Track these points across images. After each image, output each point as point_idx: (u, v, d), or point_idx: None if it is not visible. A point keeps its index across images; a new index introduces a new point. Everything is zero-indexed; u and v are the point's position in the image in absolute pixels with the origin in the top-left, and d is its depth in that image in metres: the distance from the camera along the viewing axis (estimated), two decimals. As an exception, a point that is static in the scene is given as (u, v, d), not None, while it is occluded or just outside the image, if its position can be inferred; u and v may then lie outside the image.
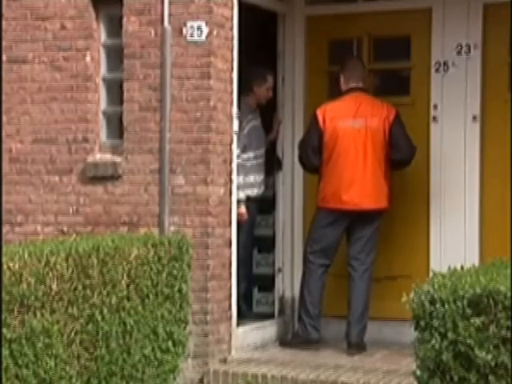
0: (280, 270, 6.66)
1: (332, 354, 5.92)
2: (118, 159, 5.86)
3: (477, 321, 3.18)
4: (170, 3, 5.67)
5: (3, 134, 6.08)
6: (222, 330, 5.77)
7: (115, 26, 5.95)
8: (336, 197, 5.96)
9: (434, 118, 6.25)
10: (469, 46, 6.14)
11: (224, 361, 5.72)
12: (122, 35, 5.85)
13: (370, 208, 5.98)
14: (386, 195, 6.02)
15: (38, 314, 4.34)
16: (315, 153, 6.04)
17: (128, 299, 4.88)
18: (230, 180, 5.82)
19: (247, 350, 6.01)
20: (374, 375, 5.26)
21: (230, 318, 5.84)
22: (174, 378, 5.25)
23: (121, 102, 5.89)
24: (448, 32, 6.19)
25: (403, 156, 5.96)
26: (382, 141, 5.96)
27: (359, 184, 5.93)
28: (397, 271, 6.26)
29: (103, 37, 6.05)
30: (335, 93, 6.67)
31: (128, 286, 4.89)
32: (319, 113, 6.05)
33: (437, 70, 6.25)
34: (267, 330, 6.40)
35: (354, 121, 5.97)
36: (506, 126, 6.02)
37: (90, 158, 5.95)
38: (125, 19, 5.80)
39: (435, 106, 6.24)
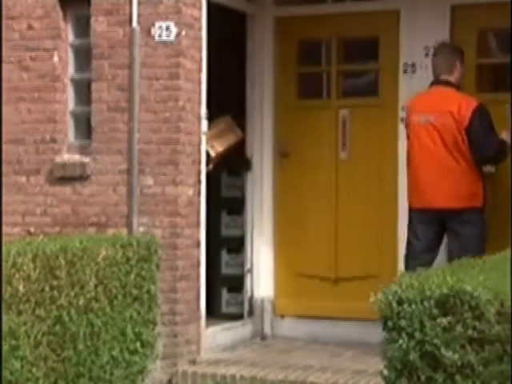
0: (249, 270, 6.65)
1: (301, 355, 5.92)
2: (86, 160, 5.83)
3: (443, 321, 3.19)
4: (138, 3, 5.64)
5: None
6: (191, 331, 5.76)
7: (83, 26, 5.92)
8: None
9: (402, 119, 6.25)
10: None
11: (193, 362, 5.70)
12: (90, 35, 5.82)
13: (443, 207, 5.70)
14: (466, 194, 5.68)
15: (5, 316, 4.29)
16: None
17: (96, 300, 4.85)
18: (199, 180, 5.81)
19: (216, 350, 5.99)
20: (342, 375, 5.26)
21: (199, 318, 5.82)
22: (143, 380, 5.22)
23: (89, 103, 5.86)
24: (416, 33, 6.22)
25: (483, 154, 5.62)
26: (455, 138, 5.62)
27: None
28: (366, 271, 6.26)
29: (71, 37, 6.02)
30: (305, 93, 6.70)
31: (96, 287, 4.86)
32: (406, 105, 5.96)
33: (405, 72, 6.27)
34: (236, 331, 6.40)
35: (426, 116, 5.69)
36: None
37: (57, 159, 5.91)
38: (93, 19, 5.77)
39: (403, 108, 6.24)
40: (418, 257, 5.66)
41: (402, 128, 6.24)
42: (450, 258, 5.39)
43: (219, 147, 6.40)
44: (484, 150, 5.65)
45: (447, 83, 5.78)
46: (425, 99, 5.80)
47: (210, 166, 6.15)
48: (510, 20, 5.79)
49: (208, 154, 6.13)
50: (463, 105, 5.65)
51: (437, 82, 5.81)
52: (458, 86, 5.81)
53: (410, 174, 5.83)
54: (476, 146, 5.63)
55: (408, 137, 5.85)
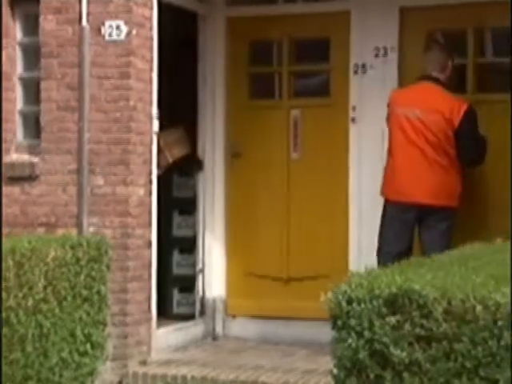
0: (201, 270, 6.63)
1: (253, 355, 5.92)
2: (35, 159, 5.78)
3: (392, 319, 3.20)
4: (88, 2, 5.60)
5: None
6: (142, 332, 5.72)
7: (32, 25, 5.86)
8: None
9: (353, 120, 6.29)
10: (386, 49, 6.20)
11: (144, 362, 5.67)
12: (39, 34, 5.76)
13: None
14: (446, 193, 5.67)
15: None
16: None
17: (45, 301, 4.80)
18: (150, 181, 5.78)
19: (167, 351, 5.97)
20: (293, 375, 5.27)
21: (150, 319, 5.79)
22: (93, 381, 5.18)
23: (38, 102, 5.80)
24: (366, 35, 6.25)
25: (471, 156, 5.67)
26: (441, 136, 5.62)
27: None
28: (317, 271, 6.28)
29: (19, 35, 5.95)
30: (256, 94, 6.70)
31: (45, 288, 4.80)
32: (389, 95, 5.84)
33: (355, 72, 6.30)
34: (188, 331, 6.37)
35: (413, 110, 5.65)
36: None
37: (6, 159, 5.83)
38: (42, 17, 5.71)
39: (354, 108, 6.29)
40: (390, 251, 5.60)
41: (353, 128, 6.28)
42: (424, 251, 5.47)
43: (177, 153, 6.43)
44: (473, 153, 5.68)
45: (437, 81, 5.76)
46: (412, 93, 5.77)
47: (161, 170, 6.13)
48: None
49: (163, 158, 6.14)
50: (455, 107, 5.64)
51: (427, 78, 5.79)
52: (447, 86, 5.79)
53: (391, 166, 5.75)
54: (465, 148, 5.64)
55: (390, 129, 5.79)
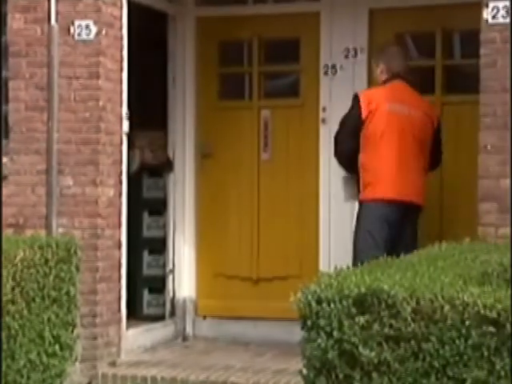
0: (171, 271, 6.61)
1: (222, 355, 5.90)
2: (3, 160, 5.72)
3: (361, 319, 3.20)
4: (56, 1, 5.57)
5: None
6: (112, 333, 5.70)
7: (-1, 24, 5.83)
8: None
9: (323, 120, 6.30)
10: (355, 50, 6.22)
11: (113, 364, 5.65)
12: (6, 33, 5.70)
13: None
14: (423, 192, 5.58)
15: None
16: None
17: (13, 303, 4.74)
18: (120, 181, 5.75)
19: (137, 352, 5.95)
20: (263, 375, 5.27)
21: (120, 320, 5.77)
22: (61, 383, 5.14)
23: (6, 102, 5.75)
24: (336, 36, 6.27)
25: (440, 157, 5.69)
26: (424, 134, 5.55)
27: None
28: (287, 271, 6.28)
29: (-14, 34, 5.90)
30: (226, 94, 6.69)
31: (13, 289, 4.74)
32: (361, 95, 5.57)
33: (325, 73, 6.31)
34: (158, 332, 6.36)
35: (401, 106, 5.51)
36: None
37: (-27, 159, 5.79)
38: (9, 16, 5.67)
39: (324, 109, 6.29)
40: (371, 251, 5.24)
41: (323, 128, 6.29)
42: (407, 249, 5.07)
43: (151, 160, 6.52)
44: (441, 154, 5.70)
45: (407, 80, 5.68)
46: (393, 91, 5.57)
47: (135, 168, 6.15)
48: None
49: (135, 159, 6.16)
50: (431, 106, 5.68)
51: (402, 77, 5.64)
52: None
53: (377, 164, 5.47)
54: (439, 148, 5.66)
55: (374, 127, 5.49)
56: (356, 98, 5.55)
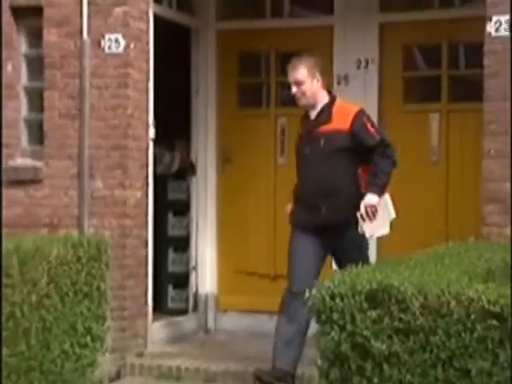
0: (194, 268, 6.63)
1: (241, 347, 5.91)
2: (38, 164, 5.76)
3: (373, 314, 3.20)
4: (88, 16, 5.59)
5: None
6: (139, 326, 5.72)
7: (36, 38, 5.85)
8: None
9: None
10: (367, 61, 6.23)
11: (140, 354, 5.67)
12: (42, 46, 5.75)
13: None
14: None
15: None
16: None
17: (48, 297, 4.77)
18: (147, 184, 5.77)
19: (162, 344, 5.97)
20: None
21: (146, 314, 5.79)
22: (92, 372, 5.16)
23: (41, 110, 5.79)
24: (348, 48, 6.26)
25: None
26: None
27: None
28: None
29: (24, 47, 5.94)
30: (245, 103, 6.70)
31: (48, 284, 4.77)
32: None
33: (338, 83, 6.30)
34: (181, 325, 6.37)
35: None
36: (400, 134, 6.11)
37: (11, 163, 5.82)
38: (45, 31, 5.71)
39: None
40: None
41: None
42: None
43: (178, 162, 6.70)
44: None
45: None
46: None
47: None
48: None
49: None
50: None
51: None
52: None
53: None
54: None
55: None
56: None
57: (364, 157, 4.78)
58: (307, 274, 4.76)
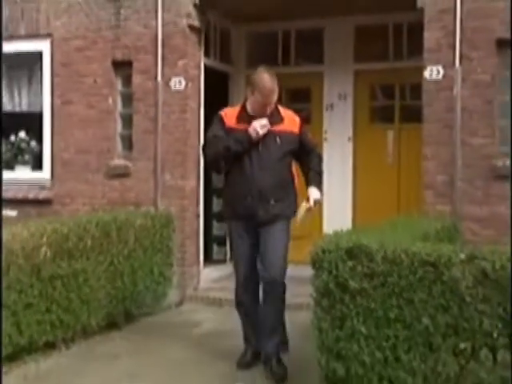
0: (230, 232, 6.62)
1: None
2: (128, 163, 5.80)
3: (350, 263, 3.17)
4: (162, 66, 5.61)
5: (57, 147, 5.93)
6: (194, 270, 5.75)
7: (127, 80, 5.87)
8: None
9: (325, 139, 6.30)
10: (345, 95, 6.22)
11: (195, 289, 5.69)
12: (131, 86, 5.77)
13: None
14: None
15: (79, 260, 4.27)
16: None
17: (134, 251, 4.82)
18: (198, 176, 5.77)
19: (209, 282, 5.97)
20: (288, 295, 5.21)
21: (199, 262, 5.82)
22: (164, 300, 5.20)
23: (130, 128, 5.82)
24: (333, 86, 6.26)
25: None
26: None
27: None
28: (301, 233, 6.23)
29: (119, 87, 5.96)
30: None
31: (134, 242, 4.82)
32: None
33: (326, 109, 6.30)
34: (222, 270, 6.38)
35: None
36: (367, 144, 6.10)
37: (111, 163, 5.86)
38: (133, 76, 5.73)
39: (325, 131, 6.30)
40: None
41: (325, 144, 6.27)
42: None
43: None
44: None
45: None
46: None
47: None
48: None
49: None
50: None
51: None
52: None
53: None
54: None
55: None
56: None
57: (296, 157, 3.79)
58: (250, 264, 3.75)
